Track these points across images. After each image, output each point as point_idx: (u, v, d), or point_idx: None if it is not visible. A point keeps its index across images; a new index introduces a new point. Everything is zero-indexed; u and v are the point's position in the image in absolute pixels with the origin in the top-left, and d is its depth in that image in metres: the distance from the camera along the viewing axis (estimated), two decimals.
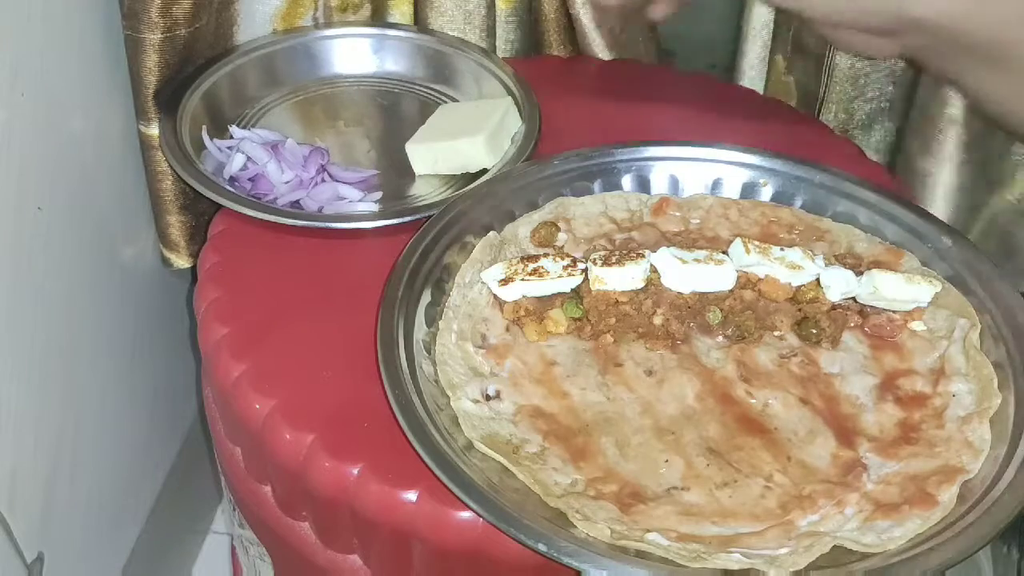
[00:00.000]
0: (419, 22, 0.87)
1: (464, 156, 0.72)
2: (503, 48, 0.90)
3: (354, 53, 0.85)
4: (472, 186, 0.69)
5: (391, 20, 0.88)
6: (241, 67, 0.81)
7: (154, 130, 0.76)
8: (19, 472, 0.70)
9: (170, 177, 0.78)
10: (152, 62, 0.74)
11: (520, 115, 0.77)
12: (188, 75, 0.78)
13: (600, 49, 0.90)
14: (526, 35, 0.91)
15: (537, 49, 0.93)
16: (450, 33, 0.86)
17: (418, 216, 0.67)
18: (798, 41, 0.88)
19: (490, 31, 0.87)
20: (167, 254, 0.83)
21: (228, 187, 0.71)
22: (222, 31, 0.81)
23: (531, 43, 0.92)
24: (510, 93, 0.79)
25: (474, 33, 0.86)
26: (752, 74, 0.92)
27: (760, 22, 0.89)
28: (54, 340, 0.73)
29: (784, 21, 0.88)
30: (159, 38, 0.73)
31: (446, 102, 0.82)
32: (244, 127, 0.78)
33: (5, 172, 0.64)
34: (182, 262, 0.83)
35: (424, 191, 0.73)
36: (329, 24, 0.87)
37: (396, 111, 0.83)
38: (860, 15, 0.56)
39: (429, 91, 0.84)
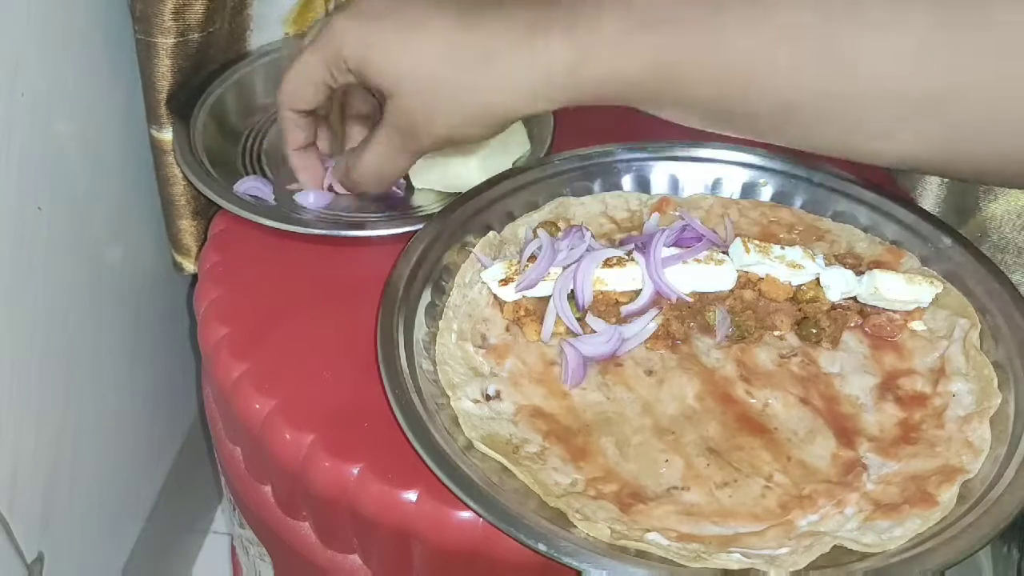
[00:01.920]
0: None
1: (457, 175, 0.71)
2: None
3: None
4: (472, 186, 0.69)
5: None
6: (254, 72, 0.81)
7: (167, 135, 0.76)
8: (19, 472, 0.70)
9: (182, 182, 0.78)
10: (165, 67, 0.74)
11: (533, 127, 0.76)
12: (201, 80, 0.78)
13: None
14: None
15: None
16: None
17: (417, 227, 0.66)
18: None
19: None
20: (178, 259, 0.82)
21: (239, 195, 0.71)
22: (235, 35, 0.81)
23: None
24: None
25: None
26: None
27: None
28: (54, 340, 0.73)
29: None
30: (172, 43, 0.73)
31: None
32: (256, 132, 0.79)
33: (5, 172, 0.64)
34: (194, 267, 0.82)
35: (425, 202, 0.73)
36: None
37: None
38: None
39: None
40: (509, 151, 0.73)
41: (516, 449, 0.54)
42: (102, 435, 0.84)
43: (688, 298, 0.60)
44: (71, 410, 0.77)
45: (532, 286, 0.60)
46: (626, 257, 0.61)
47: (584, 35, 0.56)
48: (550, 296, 0.60)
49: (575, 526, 0.50)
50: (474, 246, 0.64)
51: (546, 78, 0.56)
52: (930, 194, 0.82)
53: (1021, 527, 0.76)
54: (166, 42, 0.73)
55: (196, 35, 0.74)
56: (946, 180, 0.81)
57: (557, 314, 0.59)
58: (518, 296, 0.61)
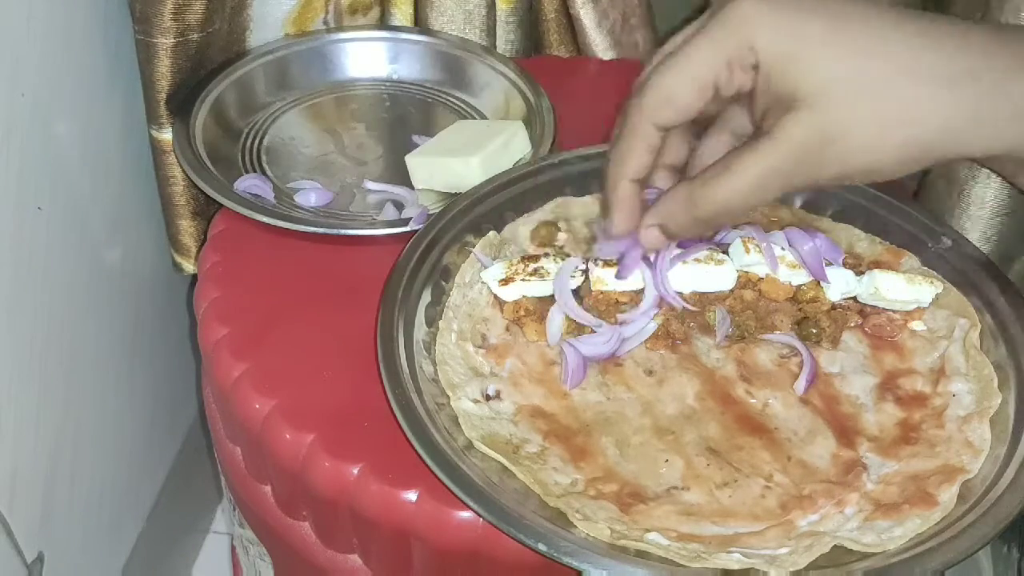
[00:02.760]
0: (419, 22, 0.87)
1: (458, 175, 0.71)
2: (503, 48, 0.90)
3: (368, 57, 0.85)
4: (472, 186, 0.69)
5: (393, 21, 0.88)
6: (253, 71, 0.81)
7: (167, 135, 0.76)
8: (19, 472, 0.70)
9: (182, 182, 0.78)
10: (164, 67, 0.74)
11: (533, 127, 0.76)
12: (201, 79, 0.78)
13: (600, 49, 0.90)
14: (526, 35, 0.91)
15: (537, 49, 0.93)
16: (451, 33, 0.86)
17: (417, 227, 0.66)
18: None
19: (490, 31, 0.87)
20: (178, 259, 0.82)
21: (240, 193, 0.71)
22: (235, 35, 0.81)
23: (531, 43, 0.92)
24: (525, 101, 0.79)
25: (474, 33, 0.86)
26: None
27: None
28: (54, 340, 0.73)
29: None
30: (171, 43, 0.73)
31: (460, 107, 0.82)
32: (256, 131, 0.79)
33: (5, 172, 0.64)
34: (193, 267, 0.83)
35: (426, 202, 0.73)
36: (340, 27, 0.87)
37: (409, 116, 0.82)
38: (915, 165, 0.49)
39: (444, 96, 0.84)
40: (510, 151, 0.73)
41: (516, 449, 0.54)
42: (102, 435, 0.84)
43: (692, 307, 0.60)
44: (71, 410, 0.77)
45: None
46: None
47: None
48: (550, 296, 0.60)
49: (575, 526, 0.50)
50: (474, 246, 0.64)
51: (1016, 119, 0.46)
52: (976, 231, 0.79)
53: (1021, 527, 0.76)
54: (166, 42, 0.73)
55: (196, 35, 0.74)
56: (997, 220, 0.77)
57: (562, 314, 0.59)
58: (518, 296, 0.61)
